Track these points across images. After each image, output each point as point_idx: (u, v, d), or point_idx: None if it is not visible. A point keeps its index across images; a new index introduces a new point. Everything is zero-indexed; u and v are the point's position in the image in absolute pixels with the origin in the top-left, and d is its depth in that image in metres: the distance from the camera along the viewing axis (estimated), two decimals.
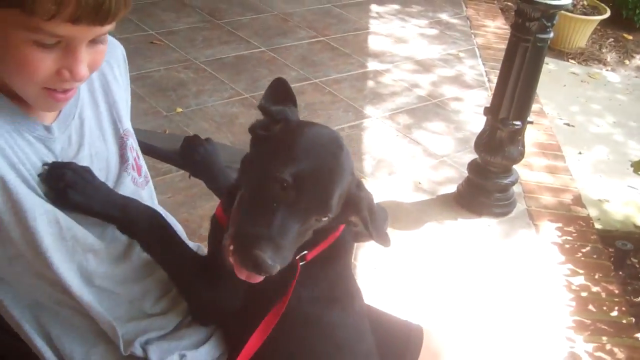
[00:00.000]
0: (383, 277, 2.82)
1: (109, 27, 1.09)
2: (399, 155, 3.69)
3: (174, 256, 1.29)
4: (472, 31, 5.45)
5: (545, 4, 2.82)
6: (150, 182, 1.45)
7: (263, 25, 4.98)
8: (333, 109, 4.04)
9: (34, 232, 1.13)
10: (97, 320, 1.25)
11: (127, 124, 1.38)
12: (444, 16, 5.67)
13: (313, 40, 4.89)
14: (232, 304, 1.29)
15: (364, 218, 1.21)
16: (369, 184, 3.38)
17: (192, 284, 1.28)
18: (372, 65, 4.68)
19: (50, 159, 1.20)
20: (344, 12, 5.45)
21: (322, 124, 1.26)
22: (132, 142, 1.38)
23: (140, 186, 1.36)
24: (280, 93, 1.26)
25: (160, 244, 1.28)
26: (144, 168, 1.43)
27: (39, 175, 1.17)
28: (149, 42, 4.48)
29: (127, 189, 1.31)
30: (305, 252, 1.24)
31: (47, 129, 1.20)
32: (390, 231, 3.06)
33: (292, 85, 1.29)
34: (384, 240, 1.26)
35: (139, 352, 1.26)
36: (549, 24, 2.86)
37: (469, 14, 5.76)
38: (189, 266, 1.29)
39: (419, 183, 3.48)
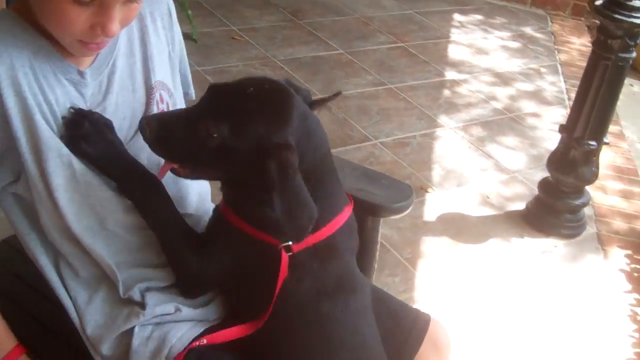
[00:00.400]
0: (442, 289, 2.79)
1: None
2: (470, 167, 3.65)
3: (166, 225, 1.33)
4: (555, 47, 5.34)
5: (629, 22, 2.74)
6: None
7: (343, 28, 4.99)
8: (406, 115, 4.02)
9: (47, 172, 1.22)
10: (98, 262, 1.32)
11: (160, 75, 1.42)
12: (528, 30, 5.57)
13: (392, 45, 4.88)
14: (215, 280, 1.35)
15: (270, 179, 1.16)
16: (436, 194, 3.35)
17: (180, 253, 1.32)
18: (449, 74, 4.63)
19: (80, 102, 1.28)
20: (426, 19, 5.41)
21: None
22: (164, 95, 1.42)
23: None
24: None
25: (154, 211, 1.32)
26: None
27: (62, 118, 1.25)
28: (230, 38, 4.54)
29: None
30: (290, 242, 1.26)
31: (81, 73, 1.28)
32: (454, 243, 3.05)
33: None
34: (286, 220, 1.17)
35: (137, 296, 1.32)
36: (632, 43, 2.78)
37: (554, 30, 5.65)
38: (179, 236, 1.33)
39: (488, 197, 3.43)
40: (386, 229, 3.01)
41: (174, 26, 1.48)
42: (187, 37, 4.29)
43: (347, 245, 1.37)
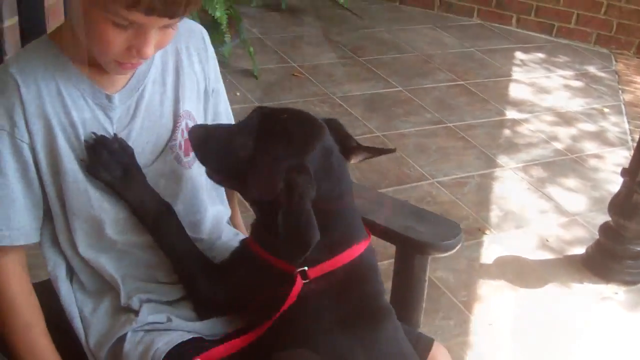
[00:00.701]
0: (498, 334, 2.74)
1: (178, 19, 1.22)
2: (529, 209, 3.59)
3: (178, 251, 1.39)
4: (620, 87, 5.24)
5: None
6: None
7: (403, 65, 5.01)
8: (465, 154, 3.99)
9: (63, 195, 1.32)
10: (104, 276, 1.40)
11: (189, 106, 1.47)
12: (591, 69, 5.48)
13: (452, 83, 4.86)
14: (230, 304, 1.40)
15: (277, 199, 1.22)
16: (493, 236, 3.31)
17: (192, 278, 1.39)
18: (510, 113, 4.59)
19: (107, 124, 1.35)
20: (487, 57, 5.38)
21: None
22: (190, 124, 1.46)
23: (185, 166, 1.45)
24: None
25: (166, 237, 1.39)
26: None
27: (85, 141, 1.32)
28: (290, 74, 4.60)
29: (165, 165, 1.42)
30: (306, 267, 1.29)
31: (109, 98, 1.35)
32: (511, 287, 3.00)
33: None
34: (286, 240, 1.21)
35: (135, 305, 1.39)
36: None
37: (618, 69, 5.54)
38: (191, 261, 1.40)
39: (547, 240, 3.36)
40: (442, 271, 2.99)
41: (210, 60, 1.53)
42: (248, 73, 4.37)
43: (368, 274, 1.39)
